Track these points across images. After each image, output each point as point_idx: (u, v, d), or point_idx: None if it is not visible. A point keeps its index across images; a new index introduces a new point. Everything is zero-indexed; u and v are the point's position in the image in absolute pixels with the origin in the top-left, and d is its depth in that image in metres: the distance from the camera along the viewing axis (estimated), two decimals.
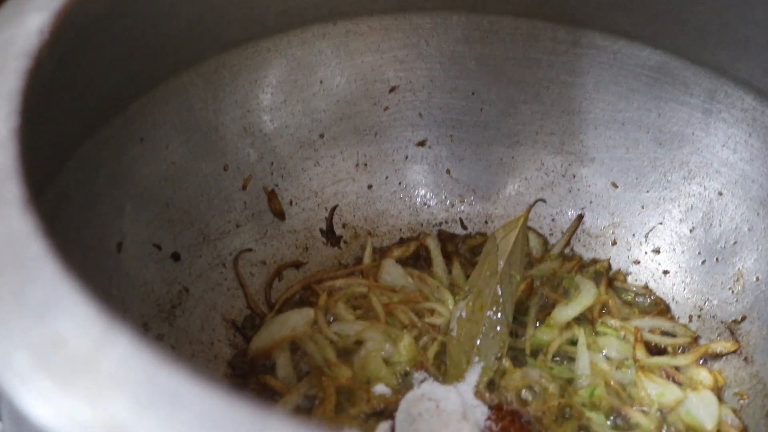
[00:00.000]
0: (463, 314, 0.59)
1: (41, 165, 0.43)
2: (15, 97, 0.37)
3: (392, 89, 0.67)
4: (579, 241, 0.67)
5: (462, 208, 0.69)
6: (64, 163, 0.49)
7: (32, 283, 0.30)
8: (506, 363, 0.58)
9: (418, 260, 0.66)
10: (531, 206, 0.62)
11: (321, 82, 0.65)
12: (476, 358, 0.57)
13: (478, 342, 0.58)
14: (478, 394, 0.56)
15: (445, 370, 0.58)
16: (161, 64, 0.55)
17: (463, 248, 0.66)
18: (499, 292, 0.59)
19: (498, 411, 0.55)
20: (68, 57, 0.43)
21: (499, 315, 0.58)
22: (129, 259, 0.55)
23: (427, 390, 0.55)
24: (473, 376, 0.57)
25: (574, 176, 0.68)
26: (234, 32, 0.59)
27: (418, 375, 0.57)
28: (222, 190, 0.62)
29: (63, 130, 0.47)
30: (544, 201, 0.67)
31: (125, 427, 0.27)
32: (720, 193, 0.63)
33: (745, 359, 0.60)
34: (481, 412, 0.55)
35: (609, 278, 0.65)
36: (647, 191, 0.66)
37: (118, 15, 0.48)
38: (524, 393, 0.57)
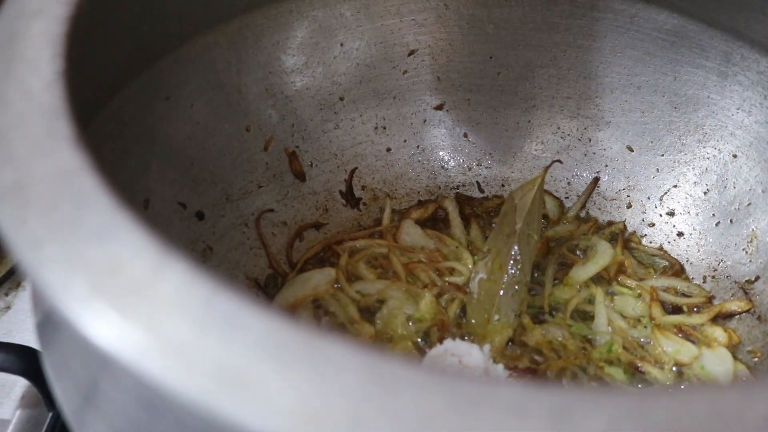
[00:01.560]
0: (483, 275, 0.59)
1: (77, 115, 0.43)
2: (59, 42, 0.37)
3: (411, 53, 0.67)
4: (594, 204, 0.68)
5: (479, 171, 0.69)
6: (93, 116, 0.49)
7: (87, 213, 0.31)
8: (526, 320, 0.59)
9: (437, 222, 0.66)
10: (548, 167, 0.63)
11: (341, 44, 0.65)
12: (496, 316, 0.58)
13: (498, 300, 0.59)
14: (493, 354, 0.57)
15: (466, 328, 0.59)
16: (188, 21, 0.56)
17: (480, 210, 0.67)
18: (517, 251, 0.59)
19: (518, 368, 0.56)
20: (102, 7, 0.44)
21: (517, 273, 0.59)
22: (155, 217, 0.55)
23: (450, 346, 0.55)
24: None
25: (590, 140, 0.68)
26: None
27: (439, 332, 0.58)
28: (244, 151, 0.62)
29: (95, 82, 0.47)
30: (560, 162, 0.68)
31: (185, 349, 0.28)
32: (734, 156, 0.64)
33: (759, 318, 0.61)
34: (502, 368, 0.56)
35: (625, 239, 0.66)
36: (662, 154, 0.67)
37: None
38: (544, 350, 0.57)
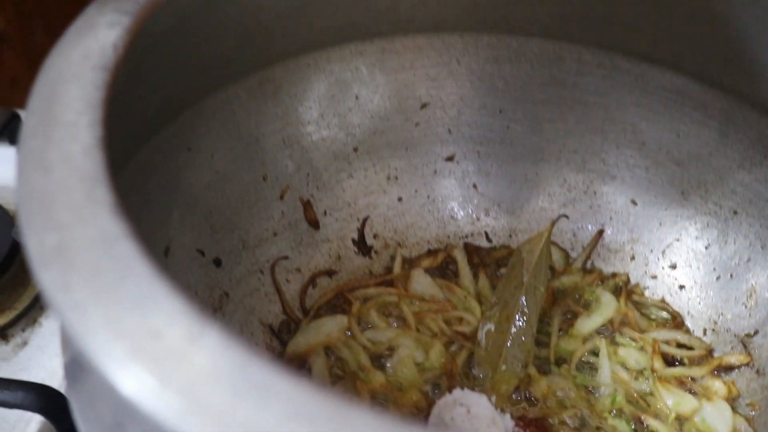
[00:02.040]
0: (491, 327, 0.61)
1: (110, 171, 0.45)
2: (98, 108, 0.39)
3: (423, 106, 0.69)
4: (599, 255, 0.70)
5: (487, 221, 0.71)
6: (121, 168, 0.51)
7: (127, 279, 0.32)
8: (532, 371, 0.60)
9: (446, 271, 0.68)
10: (554, 221, 0.65)
11: (356, 97, 0.67)
12: (503, 366, 0.60)
13: (505, 351, 0.61)
14: (500, 404, 0.58)
15: (474, 378, 0.60)
16: (210, 77, 0.58)
17: (488, 260, 0.69)
18: (524, 303, 0.61)
19: (524, 418, 0.58)
20: (136, 70, 0.46)
21: (524, 325, 0.61)
22: (175, 263, 0.57)
23: (459, 395, 0.57)
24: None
25: (595, 193, 0.70)
26: (278, 48, 0.61)
27: (448, 381, 0.60)
28: (261, 199, 0.64)
29: (126, 139, 0.49)
30: (566, 217, 0.70)
31: (220, 415, 0.29)
32: (735, 212, 0.66)
33: (757, 371, 0.63)
34: (509, 417, 0.57)
35: (628, 291, 0.67)
36: (665, 209, 0.69)
37: (178, 31, 0.50)
38: (549, 401, 0.59)
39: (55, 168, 0.37)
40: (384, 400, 0.58)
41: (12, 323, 0.68)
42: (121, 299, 0.32)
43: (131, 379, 0.30)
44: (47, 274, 0.33)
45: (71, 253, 0.33)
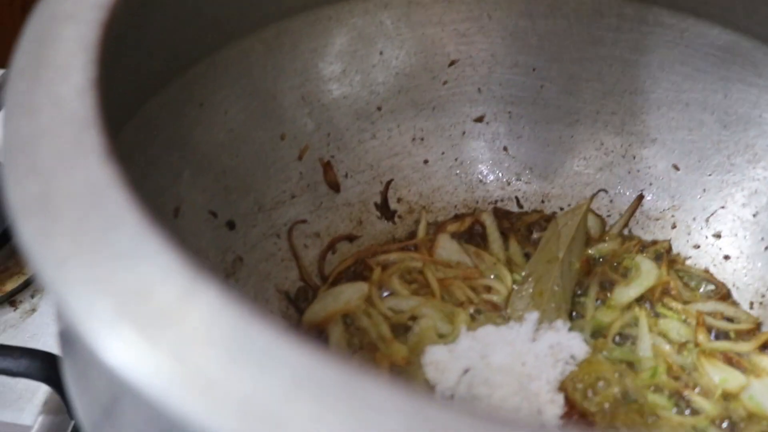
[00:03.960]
0: (523, 302, 0.58)
1: (108, 123, 0.42)
2: (92, 47, 0.36)
3: (452, 63, 0.66)
4: (637, 223, 0.66)
5: (518, 186, 0.68)
6: (125, 123, 0.48)
7: (115, 230, 0.29)
8: None
9: (473, 237, 0.65)
10: (593, 196, 0.63)
11: (381, 53, 0.64)
12: None
13: None
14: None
15: None
16: (224, 27, 0.55)
17: (519, 225, 0.66)
18: (558, 277, 0.58)
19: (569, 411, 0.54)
20: (138, 13, 0.43)
21: (557, 298, 0.58)
22: (185, 225, 0.54)
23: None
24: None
25: (634, 157, 0.67)
26: None
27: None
28: (278, 160, 0.61)
29: (127, 90, 0.46)
30: (606, 191, 0.66)
31: (213, 382, 0.26)
32: None
33: None
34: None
35: (670, 259, 0.64)
36: (710, 174, 0.65)
37: None
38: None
39: (42, 111, 0.34)
40: (403, 374, 0.55)
41: (20, 289, 0.66)
42: (107, 253, 0.29)
43: (116, 342, 0.27)
44: (27, 225, 0.30)
45: (54, 203, 0.30)
